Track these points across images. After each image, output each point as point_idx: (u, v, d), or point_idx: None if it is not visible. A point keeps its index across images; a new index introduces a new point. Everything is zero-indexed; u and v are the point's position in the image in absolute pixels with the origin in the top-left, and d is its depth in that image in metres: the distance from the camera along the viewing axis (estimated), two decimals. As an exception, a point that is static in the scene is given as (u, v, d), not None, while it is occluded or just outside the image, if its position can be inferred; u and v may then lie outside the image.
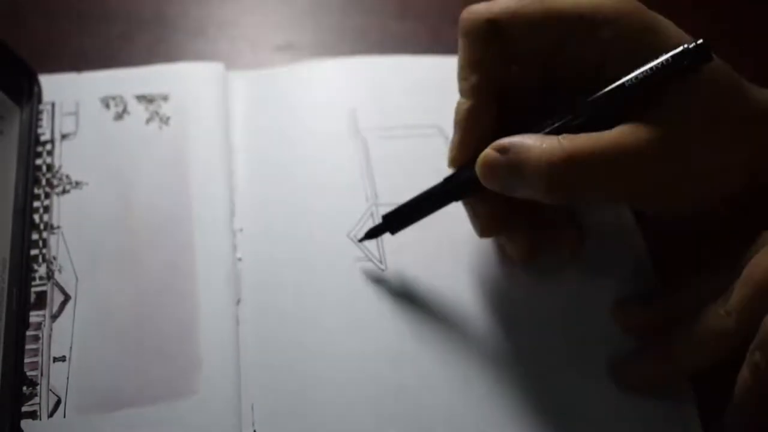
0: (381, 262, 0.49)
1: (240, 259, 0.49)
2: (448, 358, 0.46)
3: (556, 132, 0.42)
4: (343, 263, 0.49)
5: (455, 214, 0.50)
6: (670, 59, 0.41)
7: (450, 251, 0.50)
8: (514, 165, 0.42)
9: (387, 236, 0.49)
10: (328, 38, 0.61)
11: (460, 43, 0.45)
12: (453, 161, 0.46)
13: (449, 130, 0.51)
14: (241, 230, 0.50)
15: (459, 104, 0.46)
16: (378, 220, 0.49)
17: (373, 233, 0.48)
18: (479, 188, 0.44)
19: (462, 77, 0.46)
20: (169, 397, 0.44)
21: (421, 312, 0.47)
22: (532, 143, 0.42)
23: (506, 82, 0.45)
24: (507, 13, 0.44)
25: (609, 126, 0.42)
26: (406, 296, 0.48)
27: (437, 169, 0.48)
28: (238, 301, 0.48)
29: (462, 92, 0.46)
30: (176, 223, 0.50)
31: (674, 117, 0.41)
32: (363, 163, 0.52)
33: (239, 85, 0.56)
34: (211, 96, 0.55)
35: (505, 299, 0.48)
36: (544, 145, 0.42)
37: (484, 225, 0.47)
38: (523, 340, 0.47)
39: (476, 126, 0.45)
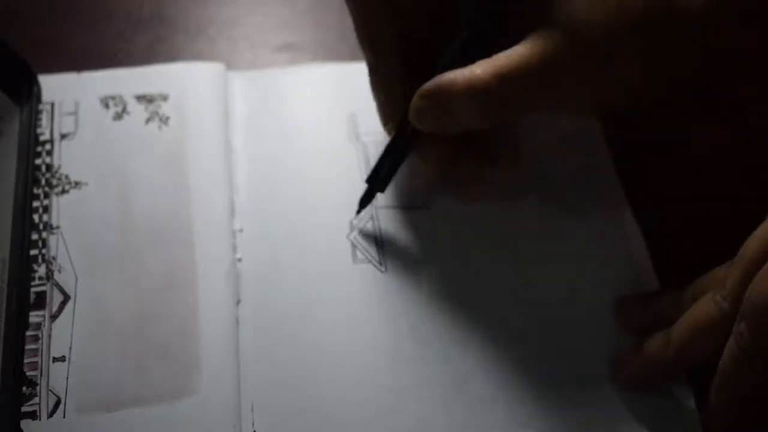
0: (381, 263, 0.49)
1: (240, 260, 0.49)
2: (447, 359, 0.46)
3: (462, 56, 0.45)
4: (343, 264, 0.49)
5: (455, 214, 0.50)
6: None
7: (449, 253, 0.50)
8: (444, 105, 0.45)
9: (387, 238, 0.49)
10: (328, 38, 0.61)
11: (350, 8, 0.47)
12: (385, 124, 0.49)
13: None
14: (240, 230, 0.50)
15: (369, 68, 0.48)
16: (378, 222, 0.49)
17: (364, 201, 0.49)
18: (422, 134, 0.47)
19: (359, 36, 0.48)
20: (169, 397, 0.44)
21: (421, 313, 0.47)
22: (455, 78, 0.44)
23: (402, 30, 0.47)
24: None
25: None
26: (405, 297, 0.48)
27: (436, 173, 0.48)
28: (238, 302, 0.48)
29: (366, 56, 0.48)
30: (176, 223, 0.50)
31: (572, 18, 0.43)
32: (363, 166, 0.52)
33: (239, 85, 0.56)
34: (211, 96, 0.55)
35: (505, 299, 0.48)
36: (467, 75, 0.44)
37: (437, 165, 0.49)
38: (523, 340, 0.47)
39: (390, 82, 0.48)
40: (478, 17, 0.45)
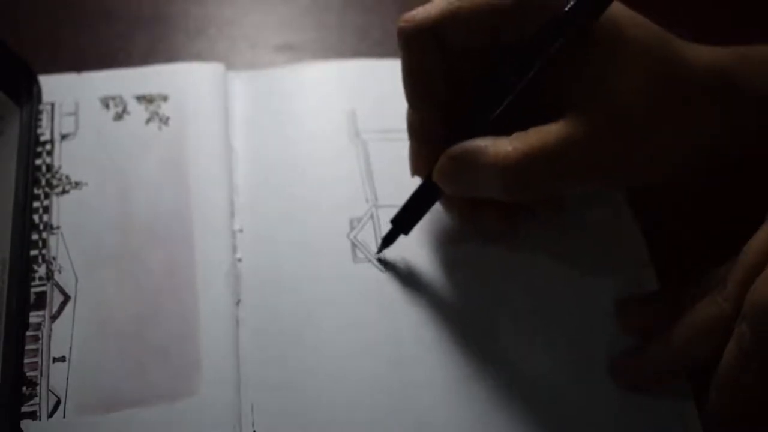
0: (381, 263, 0.49)
1: (240, 260, 0.49)
2: (447, 359, 0.46)
3: (493, 120, 0.44)
4: (343, 264, 0.49)
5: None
6: (565, 10, 0.42)
7: (450, 253, 0.50)
8: (469, 171, 0.44)
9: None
10: (328, 38, 0.61)
11: (403, 52, 0.45)
12: (415, 172, 0.48)
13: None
14: (240, 231, 0.50)
15: (408, 114, 0.47)
16: (378, 222, 0.49)
17: (387, 240, 0.49)
18: None
19: (408, 87, 0.46)
20: (169, 398, 0.44)
21: (421, 313, 0.47)
22: (485, 146, 0.43)
23: (450, 83, 0.46)
24: (448, 15, 0.44)
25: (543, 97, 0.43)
26: (405, 297, 0.48)
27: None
28: (238, 302, 0.48)
29: (409, 102, 0.46)
30: (176, 223, 0.50)
31: (614, 101, 0.42)
32: (363, 165, 0.52)
33: (239, 85, 0.56)
34: (211, 96, 0.55)
35: (505, 300, 0.48)
36: (496, 148, 0.43)
37: (459, 217, 0.49)
38: (524, 340, 0.47)
39: (428, 134, 0.47)
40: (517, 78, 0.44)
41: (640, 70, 0.43)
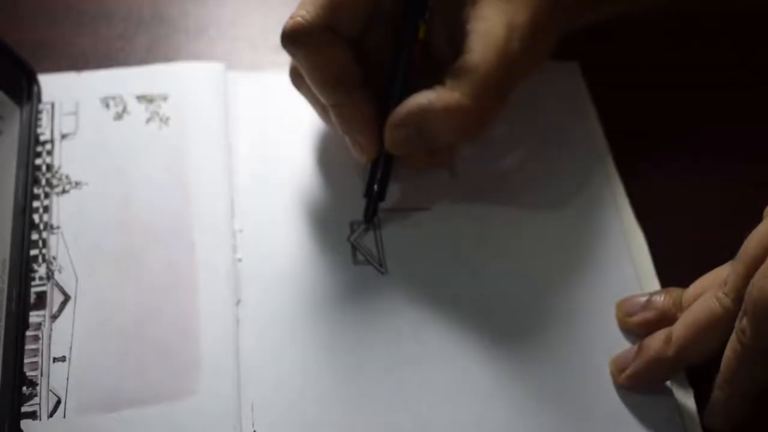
0: (381, 265, 0.49)
1: (240, 260, 0.49)
2: (447, 360, 0.46)
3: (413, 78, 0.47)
4: (343, 266, 0.49)
5: (455, 216, 0.50)
6: None
7: (450, 254, 0.50)
8: (421, 130, 0.47)
9: (388, 241, 0.50)
10: (328, 38, 0.61)
11: (299, 59, 0.47)
12: (365, 157, 0.49)
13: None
14: (241, 231, 0.50)
15: (334, 109, 0.48)
16: (379, 224, 0.50)
17: (369, 213, 0.50)
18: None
19: (324, 85, 0.47)
20: (169, 398, 0.44)
21: (421, 314, 0.47)
22: (428, 103, 0.46)
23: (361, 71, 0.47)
24: (333, 8, 0.46)
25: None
26: (405, 299, 0.48)
27: (438, 174, 0.48)
28: (238, 302, 0.48)
29: (328, 100, 0.48)
30: (176, 223, 0.50)
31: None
32: (363, 166, 0.52)
33: (239, 85, 0.56)
34: (211, 96, 0.55)
35: (506, 301, 0.48)
36: (443, 100, 0.46)
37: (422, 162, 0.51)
38: (524, 341, 0.47)
39: (360, 118, 0.48)
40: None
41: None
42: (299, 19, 0.45)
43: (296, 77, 0.50)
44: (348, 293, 0.48)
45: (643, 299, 0.47)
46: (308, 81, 0.47)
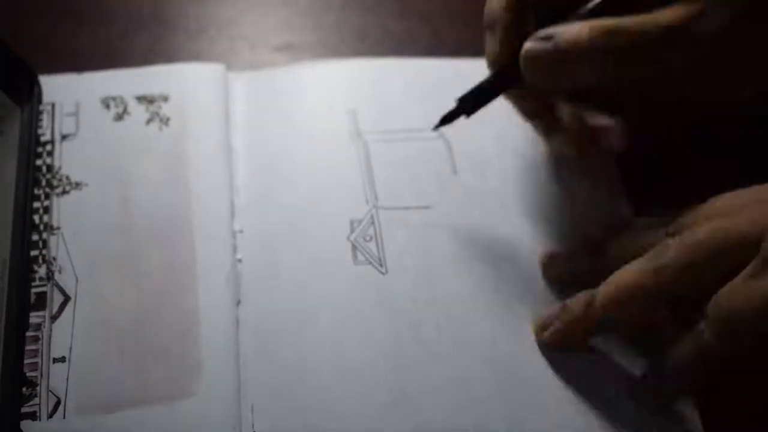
0: (381, 265, 0.49)
1: (240, 261, 0.49)
2: (448, 360, 0.46)
3: (591, 14, 0.44)
4: (344, 266, 0.49)
5: (456, 215, 0.50)
6: None
7: (451, 255, 0.50)
8: (559, 51, 0.44)
9: (388, 240, 0.49)
10: (328, 38, 0.61)
11: None
12: (494, 62, 0.47)
13: (450, 133, 0.51)
14: (241, 231, 0.50)
15: (490, 3, 0.47)
16: (379, 223, 0.49)
17: (448, 118, 0.49)
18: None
19: None
20: (169, 399, 0.44)
21: (421, 314, 0.47)
22: (575, 28, 0.43)
23: None
24: None
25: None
26: (406, 299, 0.48)
27: (438, 172, 0.48)
28: (238, 303, 0.48)
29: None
30: (176, 224, 0.50)
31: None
32: (364, 165, 0.52)
33: (240, 86, 0.56)
34: (211, 97, 0.55)
35: (506, 301, 0.48)
36: (587, 27, 0.43)
37: (531, 110, 0.50)
38: (524, 343, 0.47)
39: (512, 23, 0.46)
40: None
41: None
42: None
43: None
44: (348, 293, 0.48)
45: (569, 254, 0.48)
46: None
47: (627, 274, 0.43)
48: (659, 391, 0.44)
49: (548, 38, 0.44)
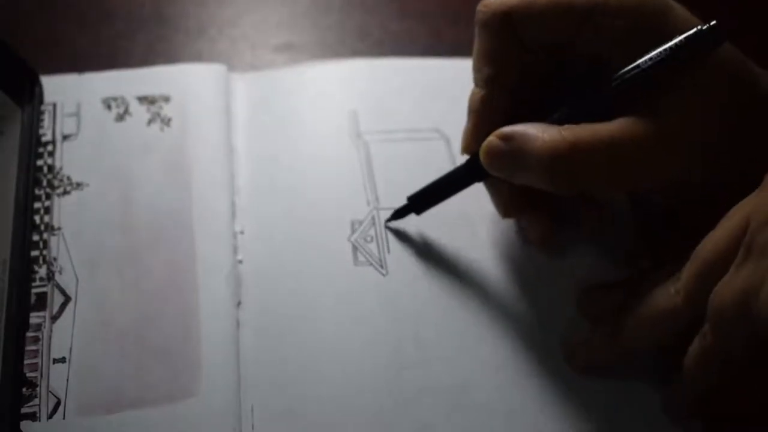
0: (382, 266, 0.49)
1: (241, 262, 0.49)
2: (448, 362, 0.46)
3: (560, 122, 0.43)
4: (344, 267, 0.49)
5: (456, 217, 0.50)
6: (683, 41, 0.41)
7: (451, 256, 0.50)
8: (516, 154, 0.44)
9: (390, 241, 0.49)
10: (328, 38, 0.61)
11: (477, 34, 0.46)
12: (466, 148, 0.48)
13: (450, 133, 0.51)
14: (241, 232, 0.50)
15: (473, 93, 0.47)
16: (380, 224, 0.49)
17: (398, 214, 0.49)
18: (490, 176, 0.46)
19: (476, 68, 0.46)
20: (169, 399, 0.44)
21: (422, 316, 0.47)
22: (535, 133, 0.43)
23: (519, 73, 0.46)
24: (521, 6, 0.44)
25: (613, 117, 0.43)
26: (406, 300, 0.48)
27: (439, 173, 0.48)
28: (239, 304, 0.48)
29: (476, 82, 0.47)
30: (177, 224, 0.50)
31: (674, 105, 0.42)
32: (364, 166, 0.52)
33: (241, 87, 0.56)
34: (212, 97, 0.55)
35: (507, 303, 0.48)
36: (546, 135, 0.43)
37: (507, 205, 0.49)
38: (524, 345, 0.47)
39: (489, 114, 0.46)
40: (592, 89, 0.44)
41: (725, 93, 0.43)
42: (491, 1, 0.45)
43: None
44: (348, 294, 0.48)
45: (604, 288, 0.47)
46: (475, 50, 0.46)
47: (651, 299, 0.43)
48: (683, 400, 0.43)
49: (508, 138, 0.44)
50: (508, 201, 0.48)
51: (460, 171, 0.48)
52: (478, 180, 0.48)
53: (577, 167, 0.43)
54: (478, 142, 0.46)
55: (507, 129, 0.44)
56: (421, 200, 0.49)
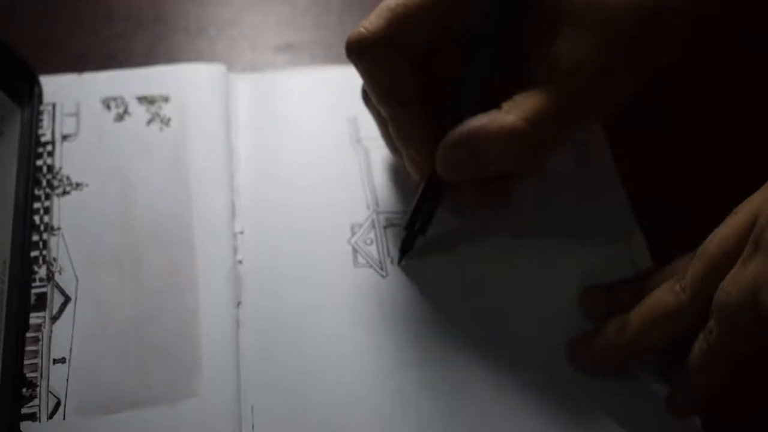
0: (382, 268, 0.49)
1: (240, 262, 0.49)
2: (448, 364, 0.46)
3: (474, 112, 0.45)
4: (344, 268, 0.49)
5: (457, 220, 0.50)
6: None
7: (451, 256, 0.50)
8: (473, 152, 0.45)
9: (390, 244, 0.50)
10: (328, 38, 0.61)
11: (359, 70, 0.46)
12: (417, 175, 0.48)
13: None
14: (241, 233, 0.50)
15: (387, 130, 0.48)
16: (379, 227, 0.50)
17: (405, 246, 0.49)
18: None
19: (384, 104, 0.46)
20: (169, 399, 0.44)
21: (422, 318, 0.47)
22: (482, 125, 0.44)
23: (422, 77, 0.46)
24: (392, 24, 0.45)
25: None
26: (406, 302, 0.48)
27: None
28: (238, 304, 0.48)
29: (387, 111, 0.47)
30: (177, 225, 0.50)
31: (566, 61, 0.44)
32: (364, 171, 0.52)
33: (241, 87, 0.56)
34: (212, 98, 0.55)
35: (506, 304, 0.48)
36: (497, 122, 0.44)
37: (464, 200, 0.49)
38: (524, 346, 0.47)
39: (415, 134, 0.47)
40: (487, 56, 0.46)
41: (584, 27, 0.44)
42: (362, 30, 0.45)
43: (365, 92, 0.49)
44: (348, 296, 0.48)
45: (608, 287, 0.47)
46: (368, 91, 0.47)
47: (655, 296, 0.43)
48: (687, 397, 0.43)
49: (461, 144, 0.45)
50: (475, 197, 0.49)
51: (426, 191, 0.48)
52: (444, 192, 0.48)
53: (537, 138, 0.44)
54: (425, 162, 0.46)
55: (453, 135, 0.45)
56: (417, 223, 0.48)
